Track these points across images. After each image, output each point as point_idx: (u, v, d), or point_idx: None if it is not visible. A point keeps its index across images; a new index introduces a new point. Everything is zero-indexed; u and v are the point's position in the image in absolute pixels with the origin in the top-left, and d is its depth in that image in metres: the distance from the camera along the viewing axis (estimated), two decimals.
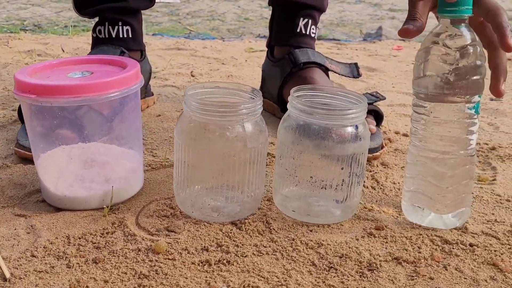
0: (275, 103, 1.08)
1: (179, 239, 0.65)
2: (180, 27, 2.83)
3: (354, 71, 1.08)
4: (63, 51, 1.57)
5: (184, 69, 1.43)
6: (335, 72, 1.06)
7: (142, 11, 1.10)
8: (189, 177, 0.70)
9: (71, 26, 2.18)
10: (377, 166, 0.89)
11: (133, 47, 1.05)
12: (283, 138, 0.70)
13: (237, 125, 0.67)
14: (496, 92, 0.66)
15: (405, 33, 0.67)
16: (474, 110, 0.65)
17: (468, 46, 0.63)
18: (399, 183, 0.83)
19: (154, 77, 1.34)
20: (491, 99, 1.28)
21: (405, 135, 1.02)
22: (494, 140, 1.01)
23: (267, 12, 3.16)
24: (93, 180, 0.73)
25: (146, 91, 1.11)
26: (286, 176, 0.70)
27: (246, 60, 1.58)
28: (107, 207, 0.71)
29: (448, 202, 0.68)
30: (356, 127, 0.68)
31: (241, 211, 0.71)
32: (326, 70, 1.05)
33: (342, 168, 0.68)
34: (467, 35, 0.64)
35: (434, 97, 0.65)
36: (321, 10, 1.11)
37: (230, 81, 1.35)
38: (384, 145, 0.94)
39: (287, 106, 0.70)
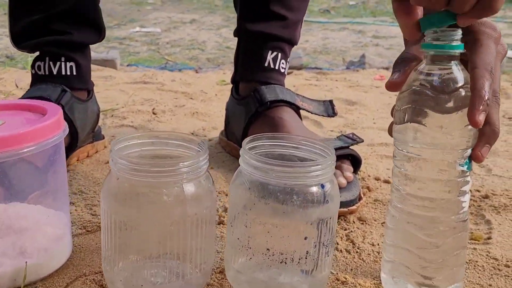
0: (240, 146, 0.96)
1: None
2: (158, 56, 2.74)
3: (328, 109, 0.96)
4: (17, 86, 1.44)
5: (146, 106, 1.31)
6: (307, 110, 0.94)
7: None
8: (119, 250, 0.57)
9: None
10: (354, 222, 0.76)
11: (78, 85, 0.92)
12: (234, 199, 0.57)
13: (175, 187, 0.54)
14: (472, 154, 0.53)
15: (392, 87, 0.55)
16: (466, 166, 0.53)
17: (461, 89, 0.51)
18: (378, 244, 0.70)
19: (112, 116, 1.21)
20: None
21: (386, 181, 0.90)
22: (486, 186, 0.89)
23: None
24: (5, 253, 0.60)
25: (94, 135, 0.98)
26: (238, 247, 0.58)
27: (216, 94, 1.46)
28: None
29: (437, 278, 0.56)
30: (322, 186, 0.55)
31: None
32: (297, 108, 0.93)
33: (305, 238, 0.55)
34: (459, 75, 0.52)
35: (419, 150, 0.53)
36: (292, 43, 0.99)
37: (195, 118, 1.23)
38: (361, 195, 0.81)
39: (239, 161, 0.58)
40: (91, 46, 0.97)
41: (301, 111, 0.95)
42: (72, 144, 0.90)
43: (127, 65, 2.29)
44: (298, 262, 0.56)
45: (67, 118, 0.85)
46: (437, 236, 0.54)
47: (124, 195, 0.55)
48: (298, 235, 0.55)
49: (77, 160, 0.94)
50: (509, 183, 0.91)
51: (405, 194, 0.55)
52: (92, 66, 1.03)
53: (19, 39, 0.94)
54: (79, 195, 0.81)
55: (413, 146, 0.53)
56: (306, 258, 0.56)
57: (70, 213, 0.73)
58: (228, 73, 1.85)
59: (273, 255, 0.56)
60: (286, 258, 0.56)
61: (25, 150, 0.56)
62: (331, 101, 0.98)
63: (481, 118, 0.49)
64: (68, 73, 0.92)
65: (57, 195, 0.66)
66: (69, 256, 0.65)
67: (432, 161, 0.52)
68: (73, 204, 0.78)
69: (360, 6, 4.79)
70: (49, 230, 0.63)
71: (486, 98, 0.50)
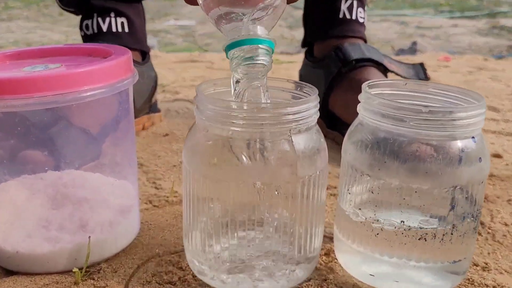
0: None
1: None
2: (195, 47, 2.65)
3: (420, 73, 0.83)
4: None
5: (198, 82, 1.19)
6: (396, 73, 0.80)
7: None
8: (213, 226, 0.45)
9: None
10: None
11: (131, 44, 0.81)
12: (353, 160, 0.45)
13: (281, 140, 0.42)
14: None
15: None
16: None
17: None
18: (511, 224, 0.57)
19: (163, 91, 1.10)
20: None
21: (496, 156, 0.76)
22: None
23: (287, 32, 2.96)
24: (63, 227, 0.48)
25: (150, 105, 0.86)
26: (359, 220, 0.45)
27: (272, 72, 1.34)
28: (80, 270, 0.46)
29: None
30: (474, 139, 0.42)
31: (290, 276, 0.45)
32: (385, 70, 0.80)
33: (452, 207, 0.42)
34: None
35: None
36: None
37: None
38: None
39: (357, 109, 0.45)
40: None
41: (389, 74, 0.82)
42: None
43: (166, 52, 2.21)
44: (441, 240, 0.43)
45: None
46: None
47: (215, 153, 0.42)
48: (441, 204, 0.42)
49: None
50: None
51: None
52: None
53: None
54: (139, 168, 0.70)
55: None
56: (451, 234, 0.43)
57: None
58: (277, 55, 1.73)
59: (409, 229, 0.43)
60: (426, 234, 0.43)
61: (85, 94, 0.44)
62: (421, 64, 0.84)
63: None
64: (119, 29, 0.80)
65: (125, 162, 0.54)
66: (137, 234, 0.53)
67: None
68: None
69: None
70: (113, 201, 0.51)
71: None
